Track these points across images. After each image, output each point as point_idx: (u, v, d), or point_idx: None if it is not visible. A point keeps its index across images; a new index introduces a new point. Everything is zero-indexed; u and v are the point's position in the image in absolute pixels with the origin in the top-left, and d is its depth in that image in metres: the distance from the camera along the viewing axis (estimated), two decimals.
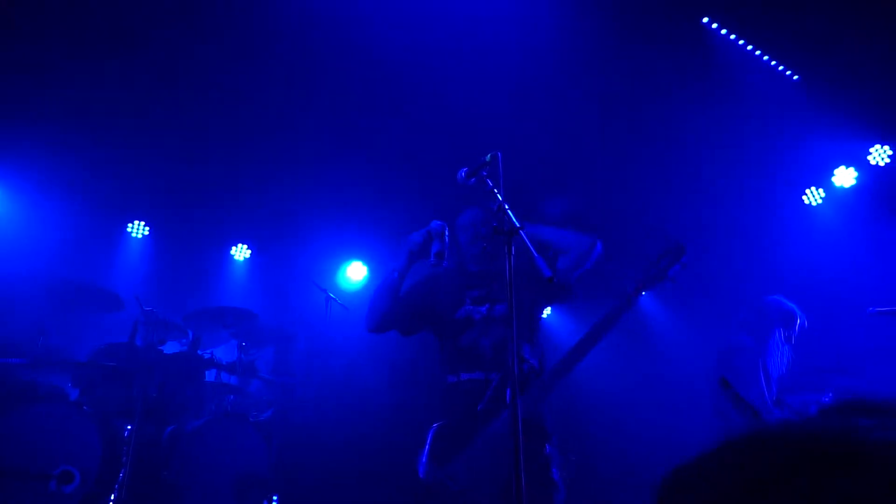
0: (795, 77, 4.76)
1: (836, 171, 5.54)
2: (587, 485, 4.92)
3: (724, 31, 4.70)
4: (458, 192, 2.35)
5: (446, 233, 2.54)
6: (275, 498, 4.15)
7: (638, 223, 5.80)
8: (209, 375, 4.25)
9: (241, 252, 6.19)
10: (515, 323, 1.81)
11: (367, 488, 4.40)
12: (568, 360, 2.41)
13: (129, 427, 3.77)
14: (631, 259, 6.24)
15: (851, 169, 5.49)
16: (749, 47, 4.73)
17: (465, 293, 2.68)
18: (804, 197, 5.78)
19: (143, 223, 5.83)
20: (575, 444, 5.26)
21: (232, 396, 4.36)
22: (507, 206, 1.96)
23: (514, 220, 1.92)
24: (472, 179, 2.16)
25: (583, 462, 5.17)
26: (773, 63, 4.75)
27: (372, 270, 6.40)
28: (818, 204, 5.73)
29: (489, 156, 2.11)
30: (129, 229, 5.80)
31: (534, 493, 1.93)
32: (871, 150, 5.35)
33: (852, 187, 5.49)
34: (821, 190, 5.72)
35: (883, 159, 5.30)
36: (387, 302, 2.65)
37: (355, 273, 6.33)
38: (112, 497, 3.68)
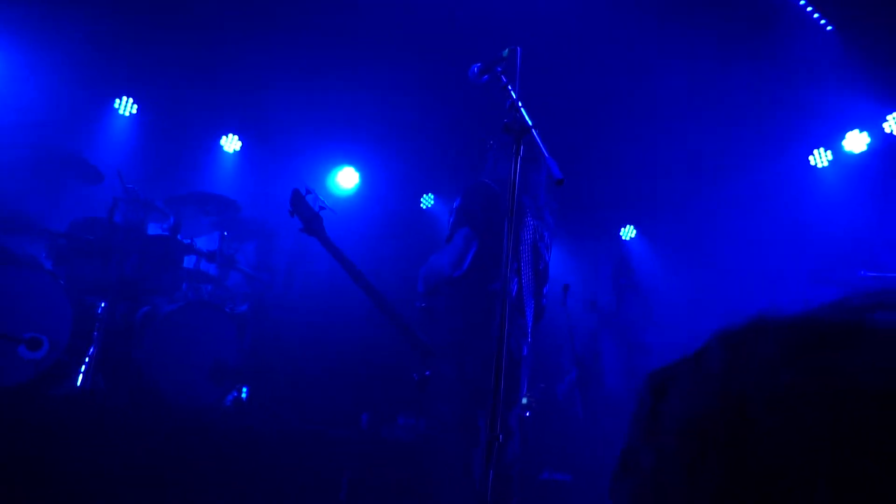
0: (830, 28, 4.53)
1: (847, 135, 5.41)
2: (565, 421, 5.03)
3: None
4: (466, 95, 2.21)
5: None
6: (245, 389, 4.18)
7: (634, 160, 5.68)
8: (188, 262, 4.18)
9: (231, 143, 5.99)
10: (508, 231, 1.73)
11: (336, 388, 4.44)
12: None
13: (102, 304, 3.72)
14: (618, 194, 6.18)
15: (865, 134, 5.36)
16: None
17: None
18: (811, 157, 5.67)
19: (131, 100, 5.58)
20: (546, 375, 5.35)
21: (209, 286, 4.31)
22: (520, 104, 1.84)
23: (526, 118, 1.81)
24: (486, 76, 2.03)
25: (553, 392, 5.27)
26: (810, 9, 4.50)
27: (364, 178, 6.26)
28: (824, 166, 5.62)
29: (507, 50, 1.98)
30: (116, 105, 5.55)
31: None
32: (889, 117, 5.19)
33: (862, 153, 5.37)
34: (829, 152, 5.60)
35: None
36: None
37: (346, 179, 6.19)
38: (81, 370, 3.67)
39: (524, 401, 5.16)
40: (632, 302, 5.11)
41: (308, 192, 3.15)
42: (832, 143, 5.55)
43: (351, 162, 6.20)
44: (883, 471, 0.32)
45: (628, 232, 6.84)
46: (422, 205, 6.67)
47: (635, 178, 5.87)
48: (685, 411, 0.40)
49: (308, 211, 3.05)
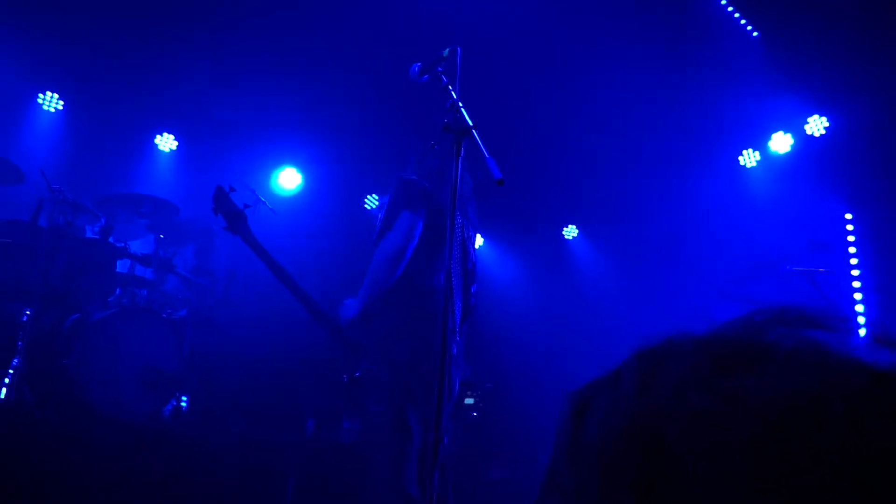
0: (756, 34, 4.75)
1: (773, 136, 5.68)
2: (500, 410, 5.08)
3: None
4: (410, 95, 2.20)
5: None
6: (184, 398, 4.04)
7: (569, 162, 5.82)
8: (121, 266, 4.01)
9: (166, 142, 5.78)
10: (450, 229, 1.73)
11: (281, 393, 4.35)
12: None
13: (27, 312, 3.52)
14: (559, 194, 6.31)
15: (788, 136, 5.64)
16: None
17: None
18: (740, 157, 5.92)
19: (56, 96, 5.30)
20: (491, 374, 5.39)
21: (145, 291, 4.15)
22: (461, 105, 1.85)
23: (467, 118, 1.82)
24: (426, 76, 2.03)
25: (497, 391, 5.31)
26: (737, 15, 4.70)
27: (306, 178, 6.15)
28: (752, 166, 5.89)
29: (447, 50, 1.99)
30: (40, 100, 5.26)
31: None
32: (809, 119, 5.49)
33: (787, 154, 5.65)
34: (756, 153, 5.87)
35: (819, 130, 5.46)
36: None
37: (288, 180, 6.07)
38: (5, 382, 3.47)
39: (470, 401, 5.19)
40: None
41: (231, 189, 3.05)
42: (759, 143, 5.82)
43: (293, 162, 6.08)
44: (789, 492, 0.32)
45: (570, 231, 6.98)
46: (366, 205, 6.62)
47: (575, 179, 6.00)
48: (602, 434, 0.40)
49: (232, 208, 2.95)
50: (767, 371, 0.37)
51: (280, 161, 6.06)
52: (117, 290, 3.94)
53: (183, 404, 3.94)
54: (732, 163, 5.93)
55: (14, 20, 4.64)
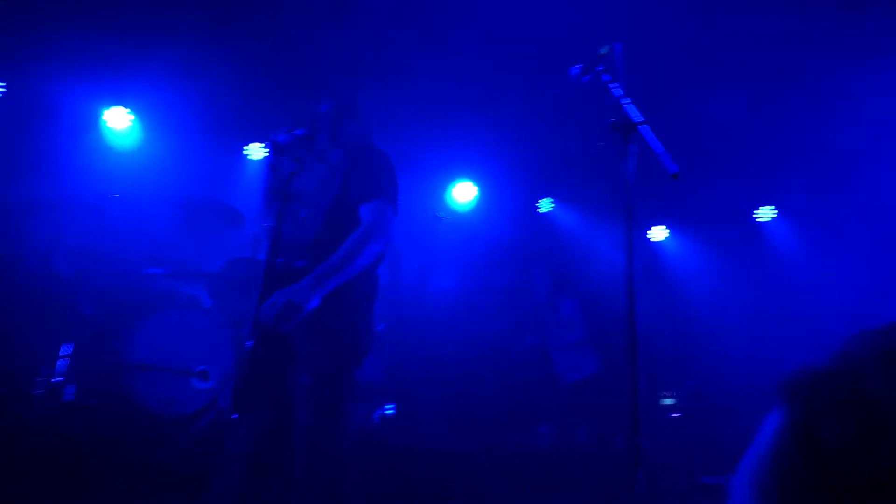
0: None
1: None
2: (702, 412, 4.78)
3: None
4: (572, 94, 2.19)
5: None
6: (391, 405, 4.36)
7: (761, 139, 5.30)
8: None
9: None
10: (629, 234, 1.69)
11: (476, 398, 4.51)
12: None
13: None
14: (750, 176, 5.76)
15: None
16: None
17: None
18: None
19: (261, 145, 6.04)
20: (693, 372, 5.10)
21: None
22: (625, 101, 1.80)
23: (632, 115, 1.76)
24: (587, 77, 1.99)
25: (701, 390, 5.01)
26: None
27: (482, 190, 6.32)
28: None
29: (605, 48, 1.94)
30: (245, 151, 6.05)
31: None
32: None
33: None
34: None
35: None
36: None
37: (463, 194, 6.27)
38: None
39: (670, 401, 4.94)
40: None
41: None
42: None
43: (467, 176, 6.27)
44: None
45: (766, 213, 6.37)
46: (538, 209, 6.70)
47: (769, 157, 5.47)
48: (848, 440, 0.38)
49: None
50: None
51: (453, 176, 6.29)
52: None
53: (390, 412, 4.25)
54: None
55: (223, 91, 5.36)
